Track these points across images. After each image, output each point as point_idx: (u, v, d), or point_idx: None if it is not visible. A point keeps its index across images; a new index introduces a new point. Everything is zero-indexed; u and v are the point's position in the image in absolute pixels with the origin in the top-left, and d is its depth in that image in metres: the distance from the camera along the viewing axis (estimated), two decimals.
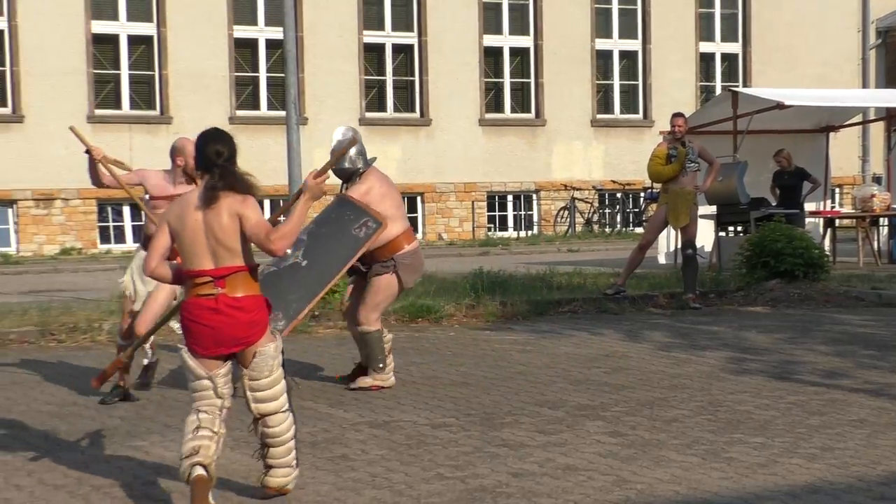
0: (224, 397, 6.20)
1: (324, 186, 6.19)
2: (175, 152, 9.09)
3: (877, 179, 25.30)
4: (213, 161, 6.05)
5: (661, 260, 18.60)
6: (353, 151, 9.38)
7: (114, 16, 24.66)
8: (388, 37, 26.92)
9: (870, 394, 9.14)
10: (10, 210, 23.87)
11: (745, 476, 6.84)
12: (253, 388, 6.22)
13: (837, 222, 20.05)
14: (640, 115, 29.16)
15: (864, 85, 30.49)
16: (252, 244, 6.11)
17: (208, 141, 6.13)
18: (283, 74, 16.22)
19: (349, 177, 9.48)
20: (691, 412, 8.55)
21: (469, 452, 7.42)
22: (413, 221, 26.96)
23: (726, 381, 9.70)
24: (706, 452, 7.39)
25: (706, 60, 30.06)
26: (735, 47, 30.28)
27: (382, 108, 26.94)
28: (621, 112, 29.14)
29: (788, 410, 8.53)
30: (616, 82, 29.15)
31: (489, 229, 27.46)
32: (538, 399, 9.07)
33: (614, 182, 28.15)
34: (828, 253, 18.72)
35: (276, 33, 22.78)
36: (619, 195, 28.56)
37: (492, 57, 28.03)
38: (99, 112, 24.46)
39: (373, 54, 26.83)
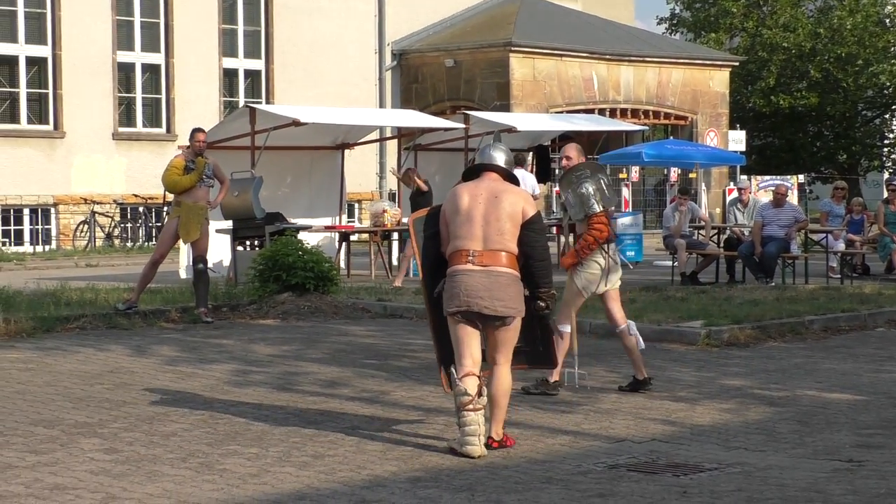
0: None
1: None
2: None
3: (392, 195, 26.27)
4: None
5: (182, 274, 18.42)
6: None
7: None
8: None
9: (365, 402, 9.52)
10: None
11: (236, 486, 6.96)
12: None
13: (355, 237, 20.71)
14: (163, 129, 28.88)
15: (381, 104, 31.65)
16: None
17: None
18: None
19: None
20: (190, 426, 8.58)
21: None
22: None
23: (229, 394, 9.80)
24: (200, 465, 7.44)
25: (230, 76, 30.20)
26: (258, 64, 30.61)
27: None
28: (144, 126, 28.78)
29: (286, 420, 8.73)
30: (139, 95, 28.75)
31: (3, 244, 26.32)
32: (34, 419, 8.80)
33: (136, 196, 27.74)
34: (342, 266, 19.37)
35: None
36: (141, 209, 28.17)
37: (6, 66, 26.95)
38: None
39: None
